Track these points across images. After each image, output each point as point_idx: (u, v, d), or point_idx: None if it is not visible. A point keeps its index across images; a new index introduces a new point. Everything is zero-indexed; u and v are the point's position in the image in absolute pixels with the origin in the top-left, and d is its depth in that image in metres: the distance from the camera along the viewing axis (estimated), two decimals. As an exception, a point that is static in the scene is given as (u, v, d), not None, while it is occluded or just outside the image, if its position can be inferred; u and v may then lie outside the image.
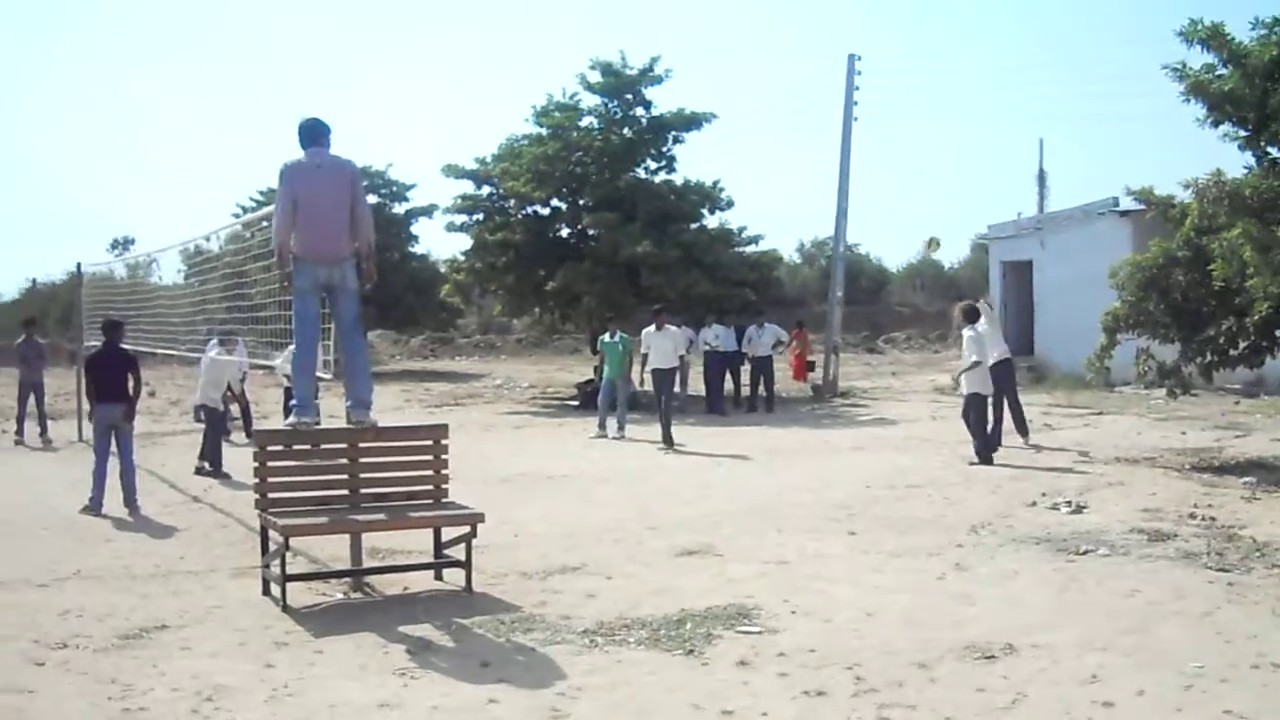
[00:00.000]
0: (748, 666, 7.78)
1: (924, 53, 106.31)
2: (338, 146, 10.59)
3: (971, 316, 18.00)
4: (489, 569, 10.76)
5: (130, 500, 14.73)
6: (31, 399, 22.67)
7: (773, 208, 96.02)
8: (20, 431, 22.70)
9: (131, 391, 15.04)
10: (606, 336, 22.87)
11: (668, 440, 20.55)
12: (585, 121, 31.85)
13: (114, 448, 14.81)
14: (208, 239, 23.26)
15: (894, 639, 8.38)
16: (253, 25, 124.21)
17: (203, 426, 18.52)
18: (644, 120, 31.59)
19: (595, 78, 31.32)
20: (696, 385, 28.64)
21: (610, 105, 31.72)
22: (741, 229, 31.85)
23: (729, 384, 28.30)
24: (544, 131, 31.67)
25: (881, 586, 10.05)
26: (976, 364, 17.49)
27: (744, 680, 7.54)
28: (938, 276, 68.74)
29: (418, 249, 46.26)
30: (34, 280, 57.10)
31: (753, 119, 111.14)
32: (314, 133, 10.52)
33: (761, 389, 27.61)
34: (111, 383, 14.96)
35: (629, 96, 31.43)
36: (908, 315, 61.08)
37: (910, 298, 66.43)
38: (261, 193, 41.97)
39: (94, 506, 14.56)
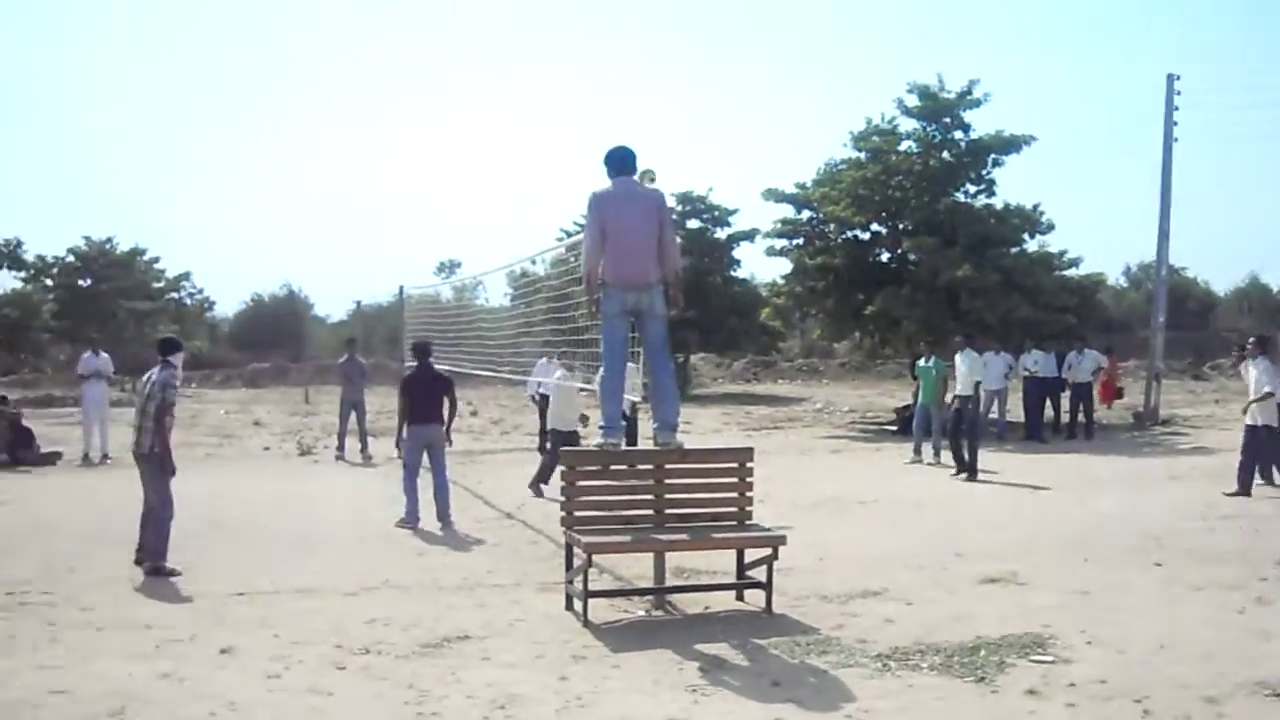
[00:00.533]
0: (1036, 696, 7.67)
1: (1248, 71, 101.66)
2: (660, 173, 10.82)
3: (1263, 347, 17.48)
4: (791, 591, 10.80)
5: (444, 515, 15.29)
6: (353, 416, 23.52)
7: (1096, 230, 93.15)
8: (341, 448, 23.61)
9: (446, 413, 15.62)
10: (922, 361, 22.70)
11: (960, 467, 20.13)
12: (904, 145, 31.63)
13: (427, 463, 15.45)
14: (533, 262, 23.89)
15: (1186, 673, 8.16)
16: (575, 54, 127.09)
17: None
18: (963, 143, 31.21)
19: (913, 101, 31.08)
20: (1017, 412, 28.13)
21: (929, 129, 31.41)
22: (1062, 252, 31.11)
23: (1049, 410, 27.67)
24: (863, 156, 31.61)
25: (1180, 619, 9.80)
26: (1269, 395, 16.94)
27: (1031, 710, 7.44)
28: (1264, 300, 65.81)
29: (739, 273, 46.53)
30: (359, 302, 59.57)
31: (1073, 140, 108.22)
32: (622, 161, 10.74)
33: (1081, 416, 26.98)
34: (428, 404, 15.55)
35: (947, 120, 31.08)
36: (1234, 340, 58.68)
37: (1237, 322, 63.50)
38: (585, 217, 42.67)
39: (410, 520, 15.16)
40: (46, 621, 10.11)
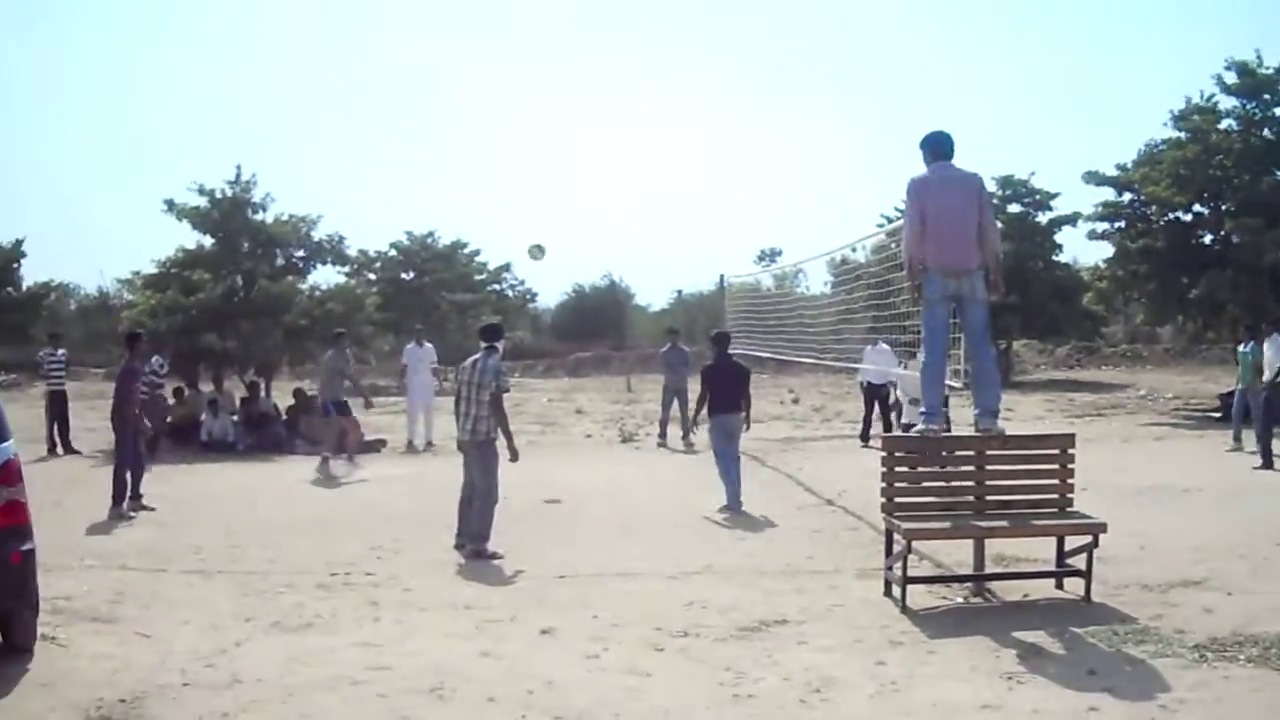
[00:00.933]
0: (1358, 688, 7.56)
1: None
2: (976, 159, 10.91)
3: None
4: (1111, 579, 10.76)
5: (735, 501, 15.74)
6: (675, 403, 23.92)
7: None
8: (664, 435, 24.11)
9: (745, 401, 16.19)
10: (1241, 346, 22.16)
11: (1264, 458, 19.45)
12: (1224, 124, 30.61)
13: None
14: (853, 249, 23.99)
15: None
16: (889, 35, 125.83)
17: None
18: (1286, 120, 30.10)
19: (1231, 79, 30.03)
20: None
21: (1248, 106, 30.33)
22: (1392, 232, 29.52)
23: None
24: (1183, 135, 30.76)
25: None
26: None
27: (1350, 702, 7.35)
28: None
29: (1061, 257, 45.60)
30: (680, 291, 60.10)
31: None
32: (939, 146, 10.82)
33: None
34: (728, 393, 16.02)
35: (1267, 96, 29.96)
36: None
37: None
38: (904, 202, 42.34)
39: (733, 505, 15.60)
40: (369, 601, 10.66)
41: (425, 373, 24.59)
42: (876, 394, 23.01)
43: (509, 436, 13.41)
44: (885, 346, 21.23)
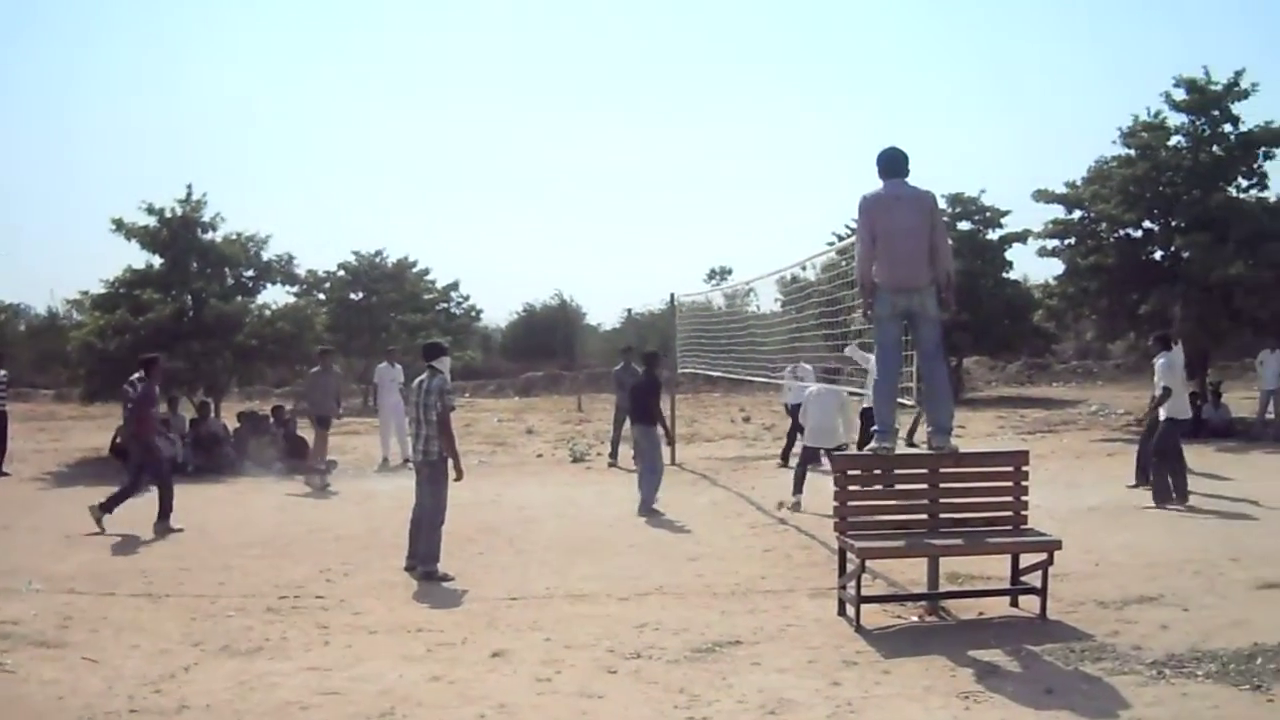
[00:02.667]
0: (1314, 705, 7.53)
1: None
2: (923, 177, 10.80)
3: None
4: (1066, 597, 10.77)
5: (647, 507, 16.37)
6: (626, 423, 23.86)
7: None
8: (614, 454, 24.12)
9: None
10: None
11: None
12: (1173, 140, 30.75)
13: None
14: (804, 267, 23.93)
15: None
16: (841, 54, 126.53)
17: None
18: (1232, 137, 30.16)
19: (1180, 95, 30.23)
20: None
21: (1197, 123, 30.47)
22: (1341, 246, 29.66)
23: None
24: (1132, 153, 30.94)
25: None
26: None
27: (1308, 719, 7.32)
28: None
29: (1012, 275, 45.76)
30: (630, 310, 60.15)
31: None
32: (893, 163, 10.78)
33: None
34: (645, 406, 16.83)
35: (1215, 113, 30.11)
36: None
37: None
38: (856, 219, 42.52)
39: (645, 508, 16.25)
40: (318, 624, 10.59)
41: (396, 392, 24.45)
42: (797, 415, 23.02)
43: (455, 456, 13.30)
44: (808, 367, 21.45)
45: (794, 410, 23.03)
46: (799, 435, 22.64)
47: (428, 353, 13.62)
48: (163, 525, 15.88)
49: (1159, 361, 17.39)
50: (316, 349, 24.55)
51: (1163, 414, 17.32)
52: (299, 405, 24.26)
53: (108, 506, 16.00)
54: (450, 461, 13.21)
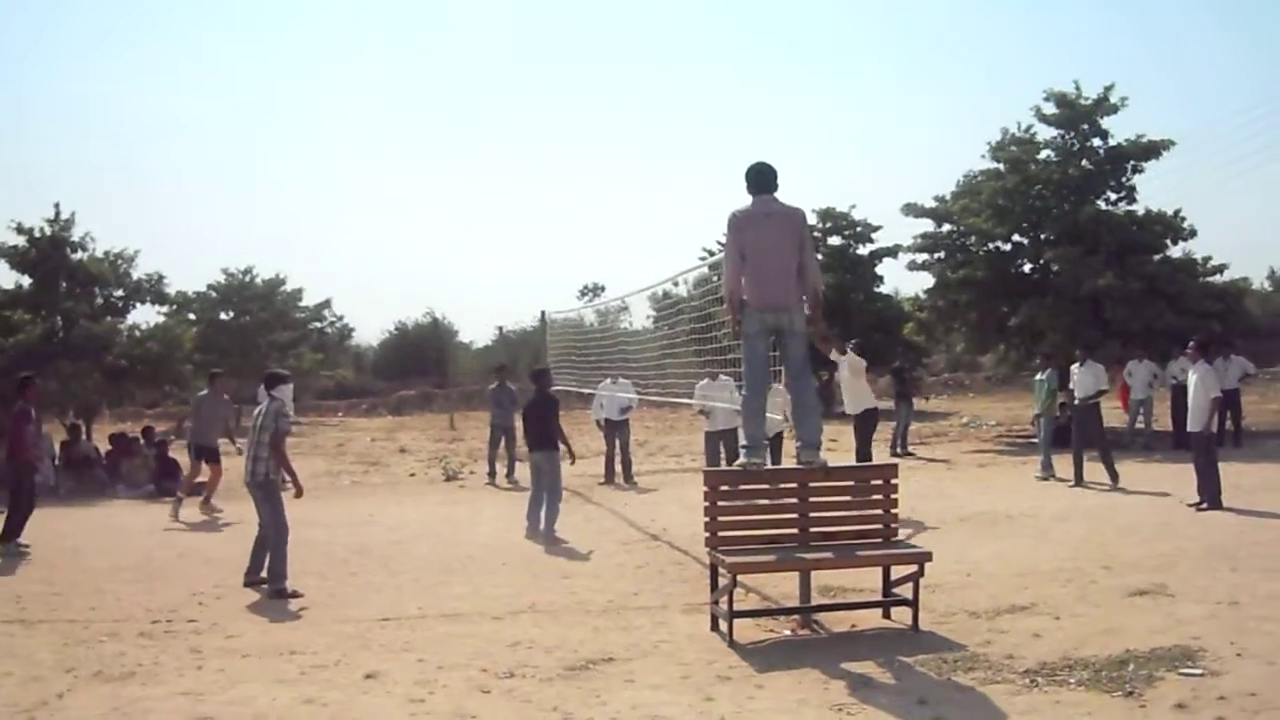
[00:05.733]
0: (1185, 710, 7.57)
1: None
2: (792, 191, 10.77)
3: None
4: (938, 608, 10.79)
5: (549, 530, 16.07)
6: (503, 442, 23.92)
7: (1239, 235, 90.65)
8: (492, 473, 24.11)
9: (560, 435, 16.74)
10: (1039, 374, 22.47)
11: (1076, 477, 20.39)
12: (1042, 154, 31.26)
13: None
14: (675, 283, 23.90)
15: (1340, 684, 7.98)
16: (714, 71, 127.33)
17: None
18: (1102, 151, 30.76)
19: (1050, 109, 30.80)
20: (1164, 421, 27.64)
21: (1067, 137, 31.05)
22: (1206, 259, 30.32)
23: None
24: (1001, 166, 31.33)
25: (1333, 628, 9.58)
26: None
27: (1178, 724, 7.34)
28: None
29: (883, 289, 46.19)
30: (501, 328, 60.11)
31: (1214, 142, 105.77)
32: (761, 179, 10.67)
33: (1229, 424, 26.21)
34: (544, 428, 16.48)
35: (1085, 127, 30.73)
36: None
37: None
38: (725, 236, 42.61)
39: (531, 533, 16.13)
40: (191, 648, 10.37)
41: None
42: (615, 430, 23.34)
43: (292, 474, 13.45)
44: (625, 380, 22.29)
45: (608, 426, 23.25)
46: (616, 451, 23.00)
47: (269, 382, 13.72)
48: (7, 545, 15.78)
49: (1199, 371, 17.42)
50: (211, 370, 23.61)
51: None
52: (182, 427, 23.66)
53: (6, 538, 15.90)
54: (286, 480, 13.38)
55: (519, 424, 19.53)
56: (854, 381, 18.71)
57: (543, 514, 16.31)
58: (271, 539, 12.93)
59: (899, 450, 27.05)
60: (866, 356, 20.53)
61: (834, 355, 16.94)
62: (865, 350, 20.69)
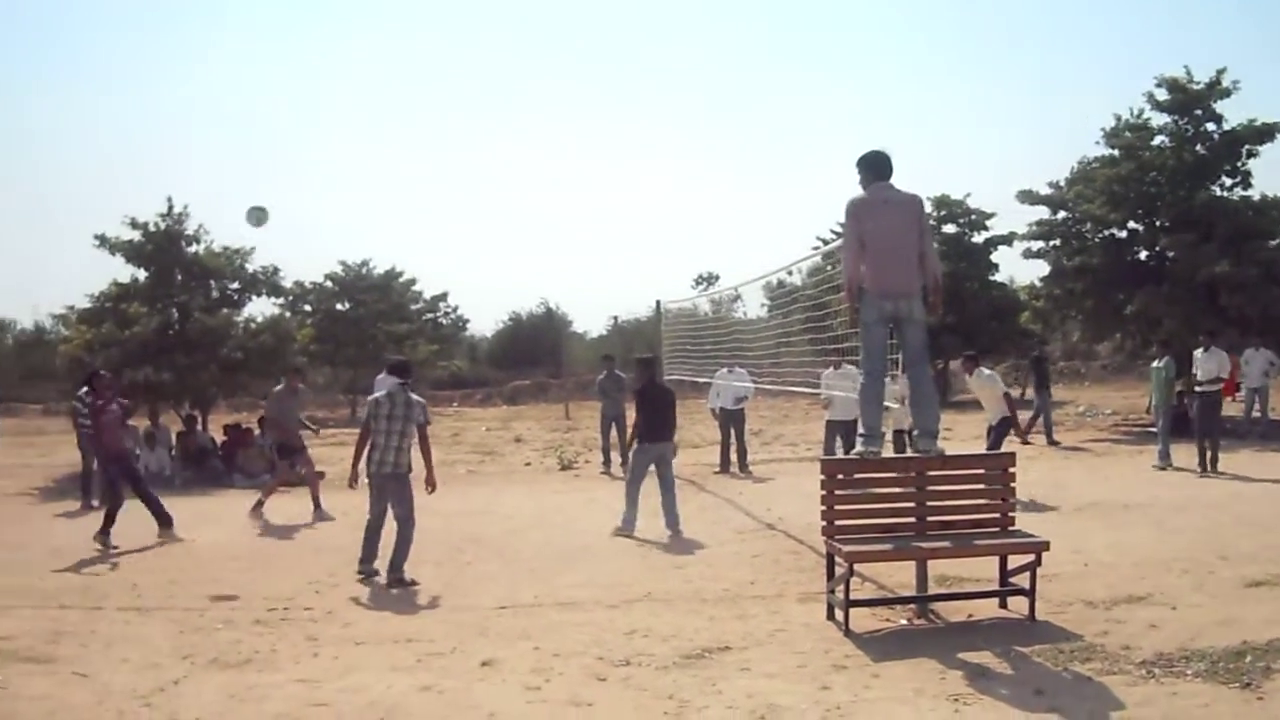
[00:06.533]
0: (1304, 701, 7.50)
1: None
2: (910, 179, 10.72)
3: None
4: (1054, 597, 10.69)
5: (672, 524, 15.68)
6: (614, 430, 23.93)
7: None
8: (606, 462, 24.22)
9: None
10: (1155, 362, 22.21)
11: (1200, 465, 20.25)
12: (1156, 140, 30.82)
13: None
14: (789, 272, 23.93)
15: None
16: (829, 61, 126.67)
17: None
18: (1215, 135, 30.26)
19: (1162, 95, 30.38)
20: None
21: (1180, 122, 30.59)
22: (1326, 243, 29.70)
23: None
24: (1116, 153, 30.99)
25: None
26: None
27: (1298, 715, 7.29)
28: None
29: (998, 277, 45.77)
30: (616, 318, 60.21)
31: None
32: (878, 166, 10.66)
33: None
34: (661, 418, 16.10)
35: (1198, 112, 30.27)
36: None
37: None
38: (841, 223, 42.36)
39: (626, 528, 15.68)
40: (307, 636, 10.50)
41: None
42: (731, 419, 23.31)
43: (431, 466, 13.68)
44: (741, 370, 22.24)
45: (723, 415, 23.26)
46: (731, 440, 22.90)
47: (402, 370, 13.83)
48: (103, 537, 15.85)
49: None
50: (288, 365, 23.75)
51: None
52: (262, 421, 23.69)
53: (105, 530, 15.89)
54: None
55: (629, 412, 19.41)
56: (993, 393, 18.47)
57: (665, 511, 15.85)
58: (402, 529, 13.07)
59: (1051, 441, 26.75)
60: (981, 345, 20.47)
61: (969, 378, 17.09)
62: (973, 340, 20.62)
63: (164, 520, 16.36)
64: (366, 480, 13.38)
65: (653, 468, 15.95)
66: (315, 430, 21.68)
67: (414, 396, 13.35)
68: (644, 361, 17.07)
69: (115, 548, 15.58)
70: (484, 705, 8.24)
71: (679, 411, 16.69)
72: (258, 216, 20.56)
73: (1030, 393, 30.42)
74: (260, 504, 18.91)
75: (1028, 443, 25.00)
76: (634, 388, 17.22)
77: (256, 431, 25.10)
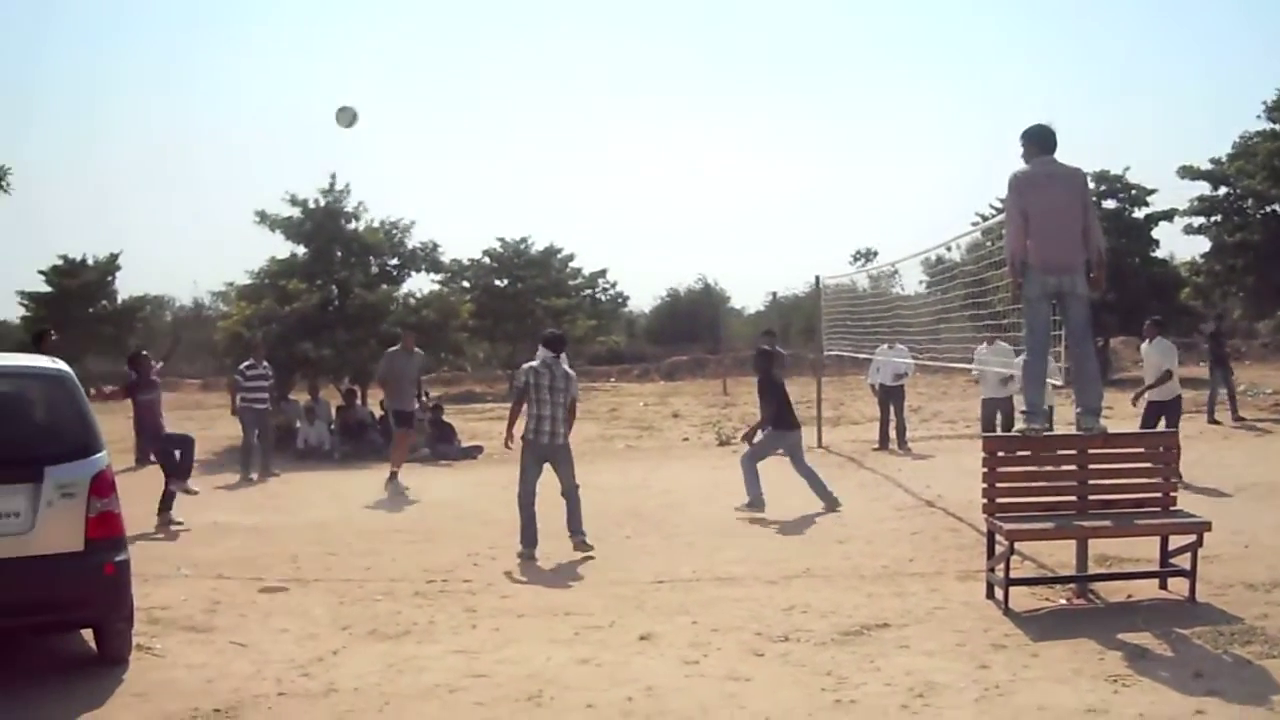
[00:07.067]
0: None
1: None
2: (1072, 154, 10.66)
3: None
4: (1215, 579, 10.61)
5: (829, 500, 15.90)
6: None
7: None
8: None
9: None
10: None
11: None
12: (1320, 112, 30.20)
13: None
14: (949, 248, 23.83)
15: None
16: (978, 37, 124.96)
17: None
18: (1382, 107, 29.58)
19: (1326, 67, 29.78)
20: None
21: (1344, 94, 29.90)
22: None
23: None
24: (1276, 127, 30.37)
25: None
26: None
27: None
28: None
29: (1158, 253, 44.93)
30: (774, 293, 60.00)
31: None
32: (1042, 140, 10.63)
33: None
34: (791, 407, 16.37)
35: (1366, 83, 29.56)
36: None
37: None
38: (1001, 199, 42.03)
39: (755, 506, 15.82)
40: (466, 608, 10.74)
41: None
42: (890, 396, 23.28)
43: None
44: (901, 346, 22.34)
45: (883, 392, 23.26)
46: (890, 417, 22.89)
47: (558, 344, 13.88)
48: (165, 516, 15.94)
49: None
50: (401, 325, 24.24)
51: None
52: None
53: (166, 503, 15.98)
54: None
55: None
56: (1158, 365, 18.27)
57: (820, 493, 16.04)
58: (575, 495, 13.40)
59: (1237, 417, 26.36)
60: (1140, 324, 20.25)
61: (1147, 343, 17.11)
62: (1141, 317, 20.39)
63: (166, 503, 16.06)
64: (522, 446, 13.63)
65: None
66: (426, 397, 21.78)
67: (564, 367, 13.59)
68: (762, 354, 17.28)
69: (180, 524, 15.85)
70: (642, 679, 8.37)
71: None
72: (348, 117, 20.77)
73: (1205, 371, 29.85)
74: (393, 475, 19.27)
75: (1216, 422, 24.72)
76: (757, 377, 17.33)
77: (418, 406, 25.52)
